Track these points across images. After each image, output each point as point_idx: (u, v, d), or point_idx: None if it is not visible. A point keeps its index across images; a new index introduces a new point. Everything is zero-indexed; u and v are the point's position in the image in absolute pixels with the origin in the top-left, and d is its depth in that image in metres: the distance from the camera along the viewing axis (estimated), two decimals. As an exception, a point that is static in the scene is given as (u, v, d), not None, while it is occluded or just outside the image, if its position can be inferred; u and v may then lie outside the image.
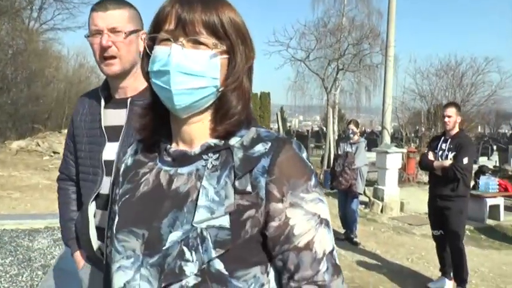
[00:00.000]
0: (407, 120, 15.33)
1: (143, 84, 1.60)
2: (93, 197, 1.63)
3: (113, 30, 1.56)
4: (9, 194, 8.20)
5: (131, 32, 1.59)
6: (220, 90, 0.92)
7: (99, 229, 1.63)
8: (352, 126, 6.57)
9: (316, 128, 35.05)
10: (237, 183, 0.87)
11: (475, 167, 9.64)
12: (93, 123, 1.67)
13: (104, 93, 1.69)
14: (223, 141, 0.92)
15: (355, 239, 6.45)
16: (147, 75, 0.95)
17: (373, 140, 16.84)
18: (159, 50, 0.90)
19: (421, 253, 6.11)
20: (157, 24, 0.91)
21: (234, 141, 0.92)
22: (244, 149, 0.91)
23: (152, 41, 0.93)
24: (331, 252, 0.91)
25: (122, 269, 0.93)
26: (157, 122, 0.99)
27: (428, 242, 6.15)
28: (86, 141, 1.69)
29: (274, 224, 0.88)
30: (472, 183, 8.59)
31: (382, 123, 12.24)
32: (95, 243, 1.65)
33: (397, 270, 5.41)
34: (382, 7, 20.33)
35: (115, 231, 0.96)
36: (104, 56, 1.57)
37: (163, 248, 0.87)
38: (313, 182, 0.91)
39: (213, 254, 0.84)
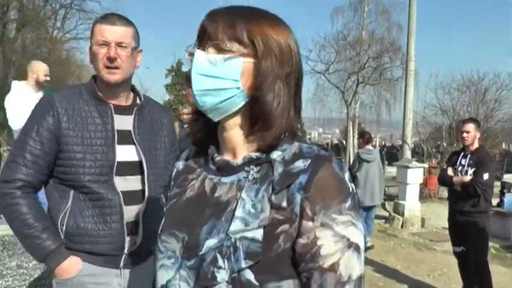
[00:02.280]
0: (429, 135, 15.11)
1: (131, 95, 1.86)
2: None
3: (119, 45, 1.72)
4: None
5: (134, 49, 1.78)
6: (248, 93, 0.93)
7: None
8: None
9: (335, 141, 34.88)
10: (273, 197, 0.89)
11: (499, 183, 9.40)
12: (95, 126, 1.72)
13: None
14: (265, 155, 0.94)
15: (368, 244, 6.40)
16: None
17: (393, 154, 16.63)
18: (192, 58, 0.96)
19: (442, 270, 5.93)
20: (197, 35, 0.97)
21: (275, 155, 0.93)
22: (284, 164, 0.91)
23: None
24: (359, 278, 0.90)
25: (164, 268, 0.98)
26: (207, 129, 1.02)
27: (450, 259, 5.96)
28: (88, 142, 1.69)
29: (302, 241, 0.88)
30: (497, 200, 8.38)
31: (402, 137, 12.06)
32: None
33: (418, 287, 5.25)
34: (402, 20, 20.26)
35: (160, 231, 1.02)
36: (107, 65, 1.71)
37: (200, 253, 0.90)
38: (348, 204, 0.88)
39: (243, 264, 0.86)
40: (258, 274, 0.87)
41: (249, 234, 0.87)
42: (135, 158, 1.77)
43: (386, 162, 14.36)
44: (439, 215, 8.59)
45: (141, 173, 1.77)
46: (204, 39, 0.94)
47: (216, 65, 0.91)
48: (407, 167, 8.68)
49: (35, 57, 17.26)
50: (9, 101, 4.79)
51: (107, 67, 1.71)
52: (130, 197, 1.73)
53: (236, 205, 0.91)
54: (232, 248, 0.87)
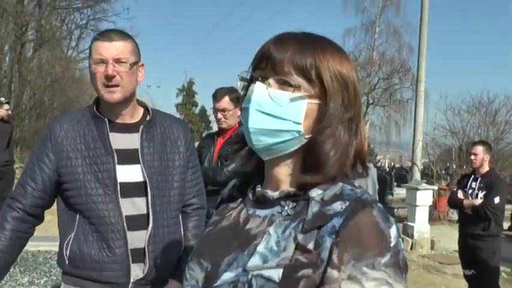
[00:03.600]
0: (438, 157, 15.03)
1: (140, 112, 1.78)
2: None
3: (118, 61, 1.63)
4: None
5: (134, 63, 1.68)
6: (307, 137, 0.86)
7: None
8: None
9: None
10: (300, 237, 0.81)
11: (510, 207, 9.31)
12: (93, 144, 1.65)
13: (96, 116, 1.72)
14: (303, 191, 0.86)
15: None
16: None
17: (402, 176, 16.52)
18: (250, 89, 0.88)
19: (453, 294, 5.85)
20: (254, 63, 0.90)
21: (315, 193, 0.86)
22: (321, 204, 0.84)
23: (251, 80, 0.91)
24: None
25: None
26: (255, 160, 0.97)
27: (460, 282, 5.89)
28: (87, 162, 1.64)
29: None
30: (508, 223, 8.28)
31: (412, 159, 12.02)
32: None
33: (428, 311, 5.19)
34: (413, 41, 20.36)
35: (190, 258, 0.97)
36: (106, 84, 1.63)
37: (215, 285, 0.85)
38: (385, 259, 0.75)
39: None
40: None
41: (266, 273, 0.79)
42: (140, 179, 1.67)
43: (395, 184, 14.27)
44: (449, 237, 8.50)
45: (147, 195, 1.67)
46: (265, 66, 0.87)
47: (282, 105, 0.84)
48: (417, 189, 8.63)
49: (49, 77, 17.64)
50: None
51: (106, 86, 1.63)
52: (136, 221, 1.65)
53: (261, 240, 0.85)
54: (247, 285, 0.80)
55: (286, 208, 0.87)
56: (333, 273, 0.76)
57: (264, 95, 0.85)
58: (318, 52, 0.85)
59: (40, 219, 1.77)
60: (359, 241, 0.76)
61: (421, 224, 8.64)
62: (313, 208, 0.83)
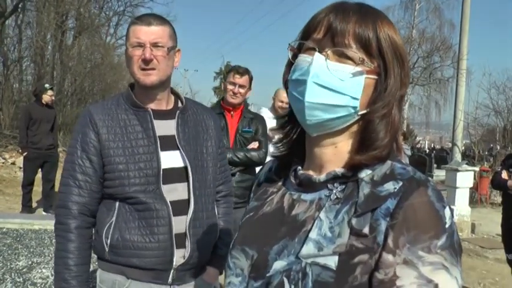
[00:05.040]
0: (480, 137, 14.54)
1: (173, 99, 1.78)
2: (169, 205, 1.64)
3: (155, 45, 1.62)
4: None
5: (171, 48, 1.67)
6: (360, 114, 0.82)
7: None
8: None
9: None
10: (354, 221, 0.77)
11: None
12: (135, 132, 1.65)
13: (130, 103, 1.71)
14: (351, 172, 0.83)
15: None
16: (285, 84, 0.89)
17: (443, 158, 16.13)
18: (302, 59, 0.83)
19: (494, 278, 5.71)
20: (307, 31, 0.85)
21: (364, 174, 0.82)
22: (372, 185, 0.80)
23: (298, 49, 0.86)
24: None
25: (232, 286, 0.91)
26: (294, 140, 0.93)
27: (503, 267, 5.74)
28: (129, 152, 1.63)
29: (379, 276, 0.74)
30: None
31: (452, 139, 11.70)
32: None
33: (467, 295, 5.10)
34: (454, 18, 19.63)
35: (231, 246, 0.94)
36: (142, 67, 1.63)
37: (267, 274, 0.82)
38: (441, 241, 0.73)
39: None
40: None
41: (321, 261, 0.76)
42: (181, 164, 1.69)
43: (435, 166, 13.94)
44: (491, 221, 8.28)
45: (187, 180, 1.69)
46: (322, 36, 0.82)
47: (343, 79, 0.79)
48: (457, 170, 8.42)
49: (89, 63, 18.12)
50: None
51: (143, 69, 1.63)
52: (178, 206, 1.66)
53: (312, 226, 0.81)
54: (301, 274, 0.77)
55: (334, 191, 0.83)
56: (388, 257, 0.73)
57: (323, 67, 0.80)
58: (378, 25, 0.81)
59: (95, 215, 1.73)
60: (415, 223, 0.73)
61: (461, 206, 8.44)
62: (364, 190, 0.80)
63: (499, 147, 13.73)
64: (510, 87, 13.73)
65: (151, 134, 1.66)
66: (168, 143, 1.68)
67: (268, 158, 2.56)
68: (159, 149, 1.65)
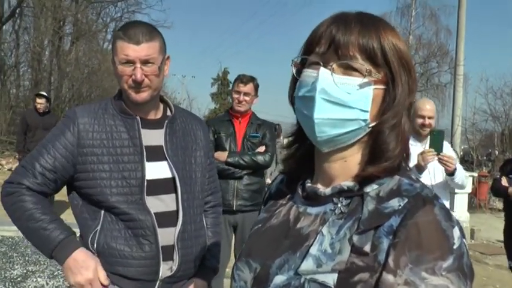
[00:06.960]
0: (479, 143, 14.56)
1: (161, 107, 1.73)
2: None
3: (146, 62, 1.56)
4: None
5: (162, 61, 1.61)
6: (370, 126, 0.80)
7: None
8: None
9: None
10: (355, 238, 0.75)
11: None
12: (121, 140, 1.60)
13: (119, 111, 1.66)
14: (357, 186, 0.80)
15: None
16: (291, 100, 0.87)
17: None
18: (307, 74, 0.81)
19: (495, 285, 5.67)
20: (309, 46, 0.83)
21: (370, 188, 0.79)
22: (377, 201, 0.77)
23: (302, 65, 0.84)
24: None
25: None
26: (303, 154, 0.91)
27: (503, 274, 5.71)
28: (113, 160, 1.58)
29: None
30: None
31: (451, 145, 11.70)
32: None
33: (468, 302, 5.04)
34: (451, 24, 19.67)
35: (237, 257, 0.93)
36: (134, 86, 1.57)
37: None
38: (447, 263, 0.69)
39: None
40: None
41: (320, 278, 0.74)
42: (169, 175, 1.64)
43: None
44: (491, 226, 8.26)
45: (175, 191, 1.64)
46: (325, 49, 0.80)
47: (350, 92, 0.77)
48: (456, 176, 8.39)
49: (86, 69, 18.11)
50: None
51: (134, 87, 1.58)
52: (165, 218, 1.61)
53: (314, 240, 0.79)
54: None
55: (339, 205, 0.81)
56: (388, 277, 0.70)
57: (330, 81, 0.77)
58: (382, 34, 0.79)
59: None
60: (418, 243, 0.70)
61: (460, 212, 8.40)
62: (369, 205, 0.77)
63: (497, 152, 13.73)
64: (507, 92, 13.79)
65: (138, 143, 1.61)
66: (156, 154, 1.64)
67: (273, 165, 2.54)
68: (145, 159, 1.60)
